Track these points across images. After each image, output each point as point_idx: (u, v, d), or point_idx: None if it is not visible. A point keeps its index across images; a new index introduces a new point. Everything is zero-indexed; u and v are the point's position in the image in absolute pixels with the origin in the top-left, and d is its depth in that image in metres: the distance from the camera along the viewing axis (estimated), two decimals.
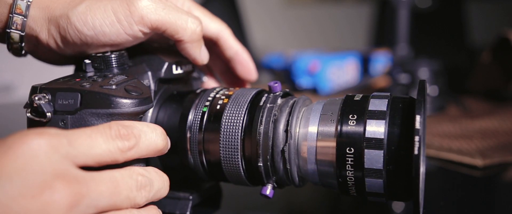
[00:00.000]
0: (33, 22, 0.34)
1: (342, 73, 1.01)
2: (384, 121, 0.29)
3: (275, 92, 0.35)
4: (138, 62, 0.36)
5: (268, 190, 0.33)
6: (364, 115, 0.30)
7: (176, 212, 0.37)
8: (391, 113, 0.30)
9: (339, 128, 0.30)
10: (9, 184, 0.23)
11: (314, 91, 0.96)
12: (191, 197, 0.37)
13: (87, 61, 0.35)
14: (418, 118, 0.27)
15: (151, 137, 0.30)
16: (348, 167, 0.30)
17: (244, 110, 0.34)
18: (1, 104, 1.18)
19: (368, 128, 0.29)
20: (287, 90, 0.36)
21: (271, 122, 0.33)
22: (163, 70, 0.36)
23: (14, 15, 0.33)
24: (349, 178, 0.30)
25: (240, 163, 0.33)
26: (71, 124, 0.30)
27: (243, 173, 0.34)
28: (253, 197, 0.42)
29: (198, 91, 0.37)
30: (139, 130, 0.29)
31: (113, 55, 0.34)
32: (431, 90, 0.75)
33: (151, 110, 0.36)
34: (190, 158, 0.35)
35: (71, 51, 0.35)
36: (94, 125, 0.30)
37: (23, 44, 0.35)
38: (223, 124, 0.34)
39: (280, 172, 0.33)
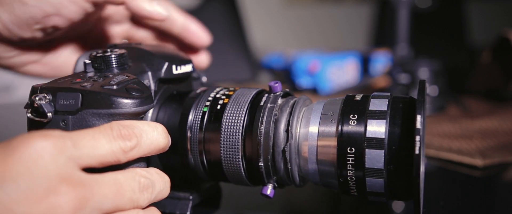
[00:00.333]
0: None
1: (342, 73, 1.01)
2: (384, 121, 0.29)
3: (276, 92, 0.35)
4: (138, 62, 0.36)
5: (269, 190, 0.33)
6: (364, 115, 0.30)
7: (176, 212, 0.37)
8: (392, 112, 0.30)
9: (340, 127, 0.30)
10: (14, 187, 0.22)
11: (314, 91, 0.96)
12: (191, 197, 0.37)
13: (87, 61, 0.35)
14: (418, 117, 0.27)
15: (153, 136, 0.30)
16: (349, 166, 0.30)
17: (245, 110, 0.34)
18: (1, 104, 1.18)
19: (369, 128, 0.29)
20: (288, 90, 0.36)
21: (271, 121, 0.33)
22: (163, 70, 0.36)
23: None
24: (350, 178, 0.30)
25: (241, 163, 0.33)
26: (72, 124, 0.30)
27: (243, 173, 0.34)
28: (253, 197, 0.42)
29: (198, 91, 0.37)
30: (140, 129, 0.29)
31: (113, 55, 0.34)
32: (431, 90, 0.75)
33: (151, 110, 0.36)
34: (190, 158, 0.35)
35: (21, 32, 0.37)
36: (95, 125, 0.30)
37: None
38: (224, 124, 0.34)
39: (280, 171, 0.33)
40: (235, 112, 0.34)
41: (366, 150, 0.29)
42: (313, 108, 0.33)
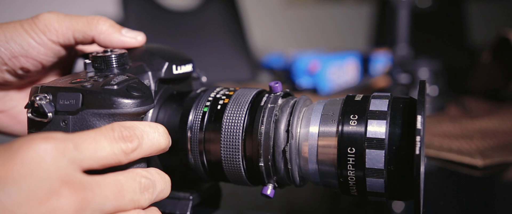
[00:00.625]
0: None
1: (342, 73, 1.01)
2: (385, 121, 0.29)
3: (276, 93, 0.35)
4: (138, 62, 0.36)
5: (269, 190, 0.34)
6: (365, 115, 0.30)
7: (176, 212, 0.37)
8: (392, 113, 0.30)
9: (340, 128, 0.30)
10: (16, 190, 0.22)
11: (314, 91, 0.96)
12: (191, 197, 0.37)
13: (87, 61, 0.35)
14: (419, 118, 0.27)
15: (154, 137, 0.30)
16: (349, 166, 0.30)
17: (245, 110, 0.34)
18: None
19: (369, 128, 0.29)
20: (288, 90, 0.36)
21: (272, 122, 0.33)
22: (163, 70, 0.36)
23: None
24: (350, 178, 0.30)
25: (241, 163, 0.33)
26: (72, 124, 0.30)
27: (244, 173, 0.34)
28: (253, 197, 0.42)
29: (198, 91, 0.37)
30: (141, 130, 0.29)
31: (113, 55, 0.34)
32: (431, 90, 0.75)
33: (151, 110, 0.36)
34: (190, 158, 0.35)
35: None
36: (95, 125, 0.30)
37: None
38: (224, 124, 0.34)
39: (281, 172, 0.33)
40: (235, 112, 0.34)
41: (367, 150, 0.29)
42: (314, 108, 0.33)
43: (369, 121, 0.30)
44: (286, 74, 1.01)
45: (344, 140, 0.30)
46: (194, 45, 1.42)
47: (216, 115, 0.34)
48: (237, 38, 1.51)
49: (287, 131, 0.32)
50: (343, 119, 0.31)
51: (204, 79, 0.43)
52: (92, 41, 0.38)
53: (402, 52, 0.86)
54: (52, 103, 0.30)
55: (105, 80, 0.31)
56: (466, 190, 0.46)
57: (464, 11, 1.81)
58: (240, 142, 0.33)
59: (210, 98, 0.36)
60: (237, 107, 0.34)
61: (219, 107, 0.35)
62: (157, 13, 1.43)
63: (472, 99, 0.83)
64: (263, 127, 0.33)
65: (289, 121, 0.33)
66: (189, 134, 0.35)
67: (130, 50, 0.38)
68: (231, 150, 0.33)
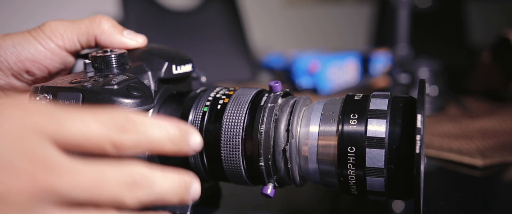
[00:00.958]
0: None
1: (342, 73, 1.01)
2: (385, 120, 0.29)
3: (276, 92, 0.35)
4: (138, 62, 0.36)
5: (269, 189, 0.34)
6: (365, 114, 0.30)
7: (176, 212, 0.37)
8: (392, 112, 0.30)
9: (340, 127, 0.30)
10: None
11: (314, 91, 0.96)
12: None
13: (87, 61, 0.35)
14: (419, 117, 0.27)
15: (158, 137, 0.25)
16: (350, 166, 0.30)
17: (245, 109, 0.34)
18: None
19: (369, 127, 0.29)
20: (288, 90, 0.36)
21: (272, 121, 0.33)
22: (163, 70, 0.36)
23: None
24: (350, 177, 0.30)
25: (241, 163, 0.33)
26: None
27: (244, 173, 0.34)
28: (253, 197, 0.42)
29: (198, 91, 0.37)
30: (145, 126, 0.24)
31: (113, 55, 0.34)
32: (431, 90, 0.75)
33: (151, 110, 0.36)
34: (190, 158, 0.35)
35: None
36: None
37: None
38: (224, 123, 0.34)
39: (281, 171, 0.33)
40: (235, 111, 0.34)
41: (367, 149, 0.29)
42: (314, 108, 0.33)
43: (369, 120, 0.30)
44: (286, 74, 1.01)
45: (344, 139, 0.30)
46: (194, 45, 1.42)
47: (216, 114, 0.34)
48: (237, 38, 1.51)
49: (287, 130, 0.32)
50: (343, 118, 0.31)
51: (203, 79, 0.43)
52: (95, 43, 0.38)
53: (402, 52, 0.86)
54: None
55: (105, 80, 0.31)
56: (466, 190, 0.46)
57: (464, 11, 1.81)
58: (240, 141, 0.33)
59: (210, 98, 0.36)
60: (237, 106, 0.34)
61: (219, 106, 0.35)
62: (157, 13, 1.43)
63: (472, 99, 0.83)
64: (263, 127, 0.33)
65: (289, 120, 0.33)
66: None
67: (130, 50, 0.38)
68: (231, 149, 0.33)
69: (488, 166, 0.49)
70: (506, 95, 0.85)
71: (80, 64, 0.40)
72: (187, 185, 0.26)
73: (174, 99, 0.37)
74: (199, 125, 0.35)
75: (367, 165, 0.29)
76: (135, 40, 0.39)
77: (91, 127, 0.22)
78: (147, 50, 0.38)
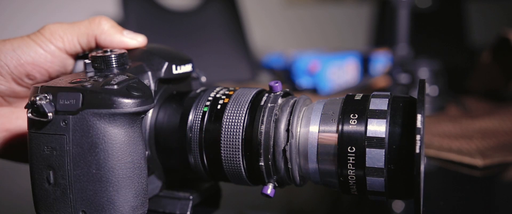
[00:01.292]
0: None
1: (342, 73, 1.01)
2: (385, 120, 0.29)
3: (276, 92, 0.35)
4: (138, 62, 0.36)
5: (269, 189, 0.34)
6: (365, 114, 0.30)
7: (176, 212, 0.37)
8: (392, 112, 0.30)
9: (340, 127, 0.30)
10: None
11: (314, 91, 0.96)
12: (191, 197, 0.37)
13: (87, 61, 0.35)
14: (419, 117, 0.27)
15: None
16: (350, 166, 0.30)
17: (245, 109, 0.34)
18: None
19: (369, 127, 0.29)
20: (288, 90, 0.36)
21: (272, 121, 0.33)
22: (163, 70, 0.36)
23: None
24: (350, 177, 0.30)
25: (241, 163, 0.33)
26: (72, 124, 0.30)
27: (244, 173, 0.34)
28: (253, 197, 0.42)
29: (198, 91, 0.37)
30: None
31: (113, 55, 0.34)
32: (431, 90, 0.75)
33: (151, 110, 0.36)
34: (191, 158, 0.35)
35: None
36: (96, 125, 0.30)
37: None
38: (224, 123, 0.34)
39: (281, 171, 0.33)
40: (235, 111, 0.34)
41: (367, 149, 0.29)
42: (314, 108, 0.33)
43: (369, 120, 0.30)
44: (286, 74, 1.01)
45: (344, 139, 0.30)
46: (194, 45, 1.42)
47: (216, 114, 0.34)
48: (237, 38, 1.51)
49: (287, 130, 0.32)
50: (343, 118, 0.31)
51: (203, 79, 0.43)
52: (96, 44, 0.38)
53: (402, 52, 0.86)
54: (52, 103, 0.30)
55: (105, 80, 0.31)
56: (466, 190, 0.46)
57: (464, 11, 1.81)
58: (240, 141, 0.33)
59: (210, 98, 0.36)
60: (237, 106, 0.34)
61: (219, 106, 0.35)
62: (157, 13, 1.43)
63: (472, 99, 0.84)
64: (263, 127, 0.33)
65: (289, 120, 0.33)
66: (189, 134, 0.35)
67: (130, 50, 0.38)
68: (231, 149, 0.33)
69: (488, 166, 0.49)
70: (506, 95, 0.85)
71: (80, 64, 0.40)
72: None
73: (174, 99, 0.37)
74: (199, 124, 0.35)
75: (367, 165, 0.29)
76: (135, 39, 0.39)
77: None
78: (147, 50, 0.38)
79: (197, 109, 0.35)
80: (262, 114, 0.33)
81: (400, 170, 0.29)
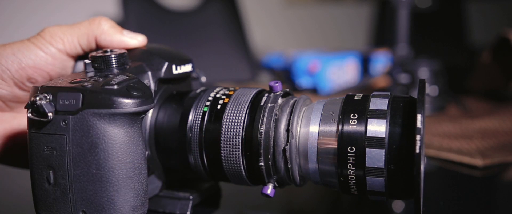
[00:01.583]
0: None
1: (342, 73, 1.01)
2: (385, 120, 0.29)
3: (276, 92, 0.35)
4: (138, 62, 0.36)
5: (269, 189, 0.34)
6: (365, 114, 0.30)
7: (176, 212, 0.37)
8: (392, 112, 0.30)
9: (340, 127, 0.30)
10: None
11: (314, 91, 0.96)
12: (191, 197, 0.37)
13: (87, 61, 0.35)
14: (419, 117, 0.27)
15: None
16: (350, 166, 0.30)
17: (245, 109, 0.34)
18: None
19: (369, 127, 0.29)
20: (288, 90, 0.36)
21: (272, 121, 0.33)
22: (163, 70, 0.36)
23: None
24: (350, 177, 0.30)
25: (241, 163, 0.33)
26: (72, 124, 0.30)
27: (244, 173, 0.34)
28: (253, 197, 0.42)
29: (198, 91, 0.37)
30: None
31: (113, 55, 0.34)
32: (431, 90, 0.75)
33: (151, 110, 0.36)
34: (191, 158, 0.35)
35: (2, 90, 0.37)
36: (96, 125, 0.30)
37: None
38: (224, 123, 0.34)
39: (281, 171, 0.33)
40: (235, 111, 0.34)
41: (367, 149, 0.29)
42: (314, 108, 0.33)
43: (369, 120, 0.30)
44: (286, 74, 1.01)
45: (344, 139, 0.30)
46: (194, 45, 1.42)
47: (216, 114, 0.34)
48: (237, 38, 1.51)
49: (287, 130, 0.32)
50: (343, 118, 0.31)
51: (203, 79, 0.43)
52: (96, 45, 0.38)
53: (402, 52, 0.86)
54: (52, 103, 0.30)
55: (105, 80, 0.31)
56: (466, 190, 0.46)
57: (464, 11, 1.81)
58: (240, 141, 0.33)
59: (210, 98, 0.36)
60: (237, 106, 0.34)
61: (219, 106, 0.35)
62: (157, 13, 1.43)
63: (472, 99, 0.83)
64: (263, 127, 0.33)
65: (289, 120, 0.33)
66: (189, 134, 0.35)
67: (130, 50, 0.38)
68: (231, 149, 0.33)
69: (488, 166, 0.49)
70: (506, 95, 0.85)
71: (80, 64, 0.40)
72: None
73: (174, 99, 0.37)
74: (199, 125, 0.35)
75: (367, 165, 0.29)
76: (135, 39, 0.39)
77: None
78: (147, 50, 0.38)
79: (197, 108, 0.35)
80: (262, 114, 0.33)
81: (400, 170, 0.29)
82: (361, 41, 2.12)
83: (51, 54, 0.37)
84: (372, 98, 0.31)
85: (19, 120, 0.39)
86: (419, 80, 0.31)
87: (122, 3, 1.36)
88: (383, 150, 0.29)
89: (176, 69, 0.37)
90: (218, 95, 0.36)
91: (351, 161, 0.30)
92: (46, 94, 0.30)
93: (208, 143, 0.34)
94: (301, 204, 0.44)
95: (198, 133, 0.34)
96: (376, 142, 0.29)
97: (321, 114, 0.32)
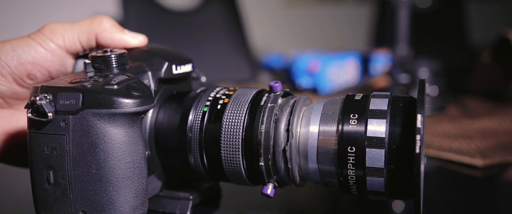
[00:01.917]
0: None
1: (342, 73, 1.01)
2: (385, 120, 0.29)
3: (276, 92, 0.35)
4: (138, 62, 0.36)
5: (269, 189, 0.34)
6: (365, 114, 0.30)
7: (176, 212, 0.37)
8: (392, 112, 0.30)
9: (340, 127, 0.30)
10: None
11: (314, 91, 0.96)
12: (191, 197, 0.37)
13: (87, 61, 0.35)
14: (419, 117, 0.27)
15: None
16: (350, 166, 0.30)
17: (245, 109, 0.34)
18: None
19: (369, 127, 0.29)
20: (288, 90, 0.36)
21: (272, 121, 0.33)
22: (163, 70, 0.36)
23: None
24: (350, 177, 0.30)
25: (241, 163, 0.33)
26: (72, 124, 0.30)
27: (244, 173, 0.34)
28: (253, 197, 0.42)
29: (198, 91, 0.37)
30: None
31: (113, 55, 0.34)
32: (431, 90, 0.75)
33: (151, 110, 0.36)
34: (191, 158, 0.35)
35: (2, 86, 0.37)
36: (96, 125, 0.30)
37: None
38: (224, 123, 0.34)
39: (281, 171, 0.33)
40: (235, 111, 0.34)
41: (367, 149, 0.29)
42: (314, 108, 0.33)
43: (369, 120, 0.30)
44: (286, 74, 1.01)
45: (344, 139, 0.30)
46: (194, 45, 1.42)
47: (216, 114, 0.34)
48: (237, 38, 1.51)
49: (287, 130, 0.32)
50: (343, 118, 0.31)
51: (203, 79, 0.43)
52: (96, 43, 0.38)
53: (402, 52, 0.86)
54: (52, 103, 0.30)
55: (105, 80, 0.31)
56: (466, 190, 0.46)
57: (464, 11, 1.81)
58: (240, 141, 0.33)
59: (210, 98, 0.36)
60: (237, 106, 0.34)
61: (219, 106, 0.35)
62: (157, 13, 1.43)
63: (472, 99, 0.83)
64: (263, 127, 0.33)
65: (289, 120, 0.33)
66: (189, 134, 0.35)
67: (130, 50, 0.38)
68: (231, 149, 0.33)
69: (488, 166, 0.49)
70: (506, 95, 0.85)
71: (80, 64, 0.40)
72: None
73: (174, 99, 0.37)
74: (199, 125, 0.35)
75: (367, 165, 0.29)
76: (136, 38, 0.39)
77: None
78: (147, 50, 0.38)
79: (197, 108, 0.35)
80: (262, 114, 0.33)
81: (400, 170, 0.29)
82: (361, 41, 2.12)
83: (50, 51, 0.37)
84: (372, 98, 0.31)
85: (18, 117, 0.39)
86: (419, 80, 0.31)
87: (122, 3, 1.36)
88: (383, 150, 0.29)
89: (176, 69, 0.37)
90: (218, 95, 0.36)
91: (351, 161, 0.30)
92: (46, 94, 0.30)
93: (208, 143, 0.34)
94: (301, 204, 0.44)
95: (198, 133, 0.34)
96: (376, 142, 0.29)
97: (321, 114, 0.32)
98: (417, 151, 0.27)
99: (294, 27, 2.53)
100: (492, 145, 0.55)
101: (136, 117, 0.31)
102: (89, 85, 0.30)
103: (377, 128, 0.29)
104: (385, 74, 0.92)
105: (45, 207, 0.32)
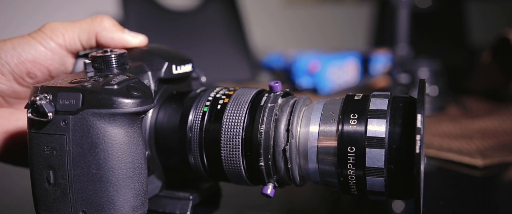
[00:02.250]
0: None
1: (342, 73, 1.01)
2: (385, 120, 0.29)
3: (276, 92, 0.35)
4: (138, 62, 0.36)
5: (269, 189, 0.34)
6: (365, 114, 0.30)
7: (176, 212, 0.37)
8: (392, 112, 0.30)
9: (340, 127, 0.30)
10: None
11: (314, 91, 0.96)
12: (191, 197, 0.37)
13: (87, 61, 0.35)
14: (419, 117, 0.27)
15: None
16: (350, 166, 0.30)
17: (245, 109, 0.34)
18: None
19: (369, 127, 0.29)
20: (288, 90, 0.36)
21: (272, 121, 0.33)
22: (163, 70, 0.36)
23: None
24: (350, 177, 0.30)
25: (241, 163, 0.33)
26: (72, 124, 0.30)
27: (244, 173, 0.34)
28: (253, 197, 0.42)
29: (198, 91, 0.37)
30: None
31: (113, 55, 0.34)
32: (431, 90, 0.75)
33: (151, 110, 0.36)
34: (191, 158, 0.35)
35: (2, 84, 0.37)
36: (96, 125, 0.30)
37: None
38: (224, 123, 0.34)
39: (281, 171, 0.33)
40: (235, 111, 0.34)
41: (367, 149, 0.29)
42: (314, 108, 0.33)
43: (369, 120, 0.30)
44: (286, 74, 1.01)
45: (344, 139, 0.30)
46: (194, 45, 1.42)
47: (216, 114, 0.34)
48: (237, 38, 1.51)
49: (287, 130, 0.32)
50: (343, 118, 0.31)
51: (203, 79, 0.43)
52: (96, 43, 0.38)
53: (402, 52, 0.86)
54: (52, 103, 0.30)
55: (105, 80, 0.31)
56: (466, 190, 0.46)
57: (464, 11, 1.81)
58: (240, 141, 0.33)
59: (210, 98, 0.36)
60: (237, 106, 0.34)
61: (219, 106, 0.35)
62: (157, 13, 1.43)
63: (472, 99, 0.83)
64: (263, 126, 0.33)
65: (289, 120, 0.33)
66: (189, 134, 0.35)
67: (130, 50, 0.38)
68: (231, 149, 0.33)
69: (488, 166, 0.49)
70: (506, 95, 0.85)
71: (80, 64, 0.40)
72: None
73: (174, 99, 0.37)
74: (199, 125, 0.35)
75: (367, 165, 0.29)
76: (137, 38, 0.39)
77: None
78: (147, 50, 0.38)
79: (197, 108, 0.35)
80: (262, 114, 0.33)
81: (400, 170, 0.29)
82: (361, 41, 2.12)
83: (50, 49, 0.37)
84: (372, 98, 0.31)
85: (17, 116, 0.39)
86: (419, 80, 0.31)
87: (122, 3, 1.36)
88: (383, 150, 0.29)
89: (176, 69, 0.37)
90: (218, 95, 0.36)
91: (351, 161, 0.30)
92: (46, 94, 0.30)
93: (208, 143, 0.34)
94: (301, 204, 0.44)
95: (198, 133, 0.34)
96: (376, 142, 0.29)
97: (321, 114, 0.32)
98: (417, 151, 0.27)
99: (294, 27, 2.53)
100: (492, 145, 0.55)
101: (136, 117, 0.31)
102: (89, 85, 0.30)
103: (377, 128, 0.29)
104: (385, 74, 0.92)
105: (45, 207, 0.32)
